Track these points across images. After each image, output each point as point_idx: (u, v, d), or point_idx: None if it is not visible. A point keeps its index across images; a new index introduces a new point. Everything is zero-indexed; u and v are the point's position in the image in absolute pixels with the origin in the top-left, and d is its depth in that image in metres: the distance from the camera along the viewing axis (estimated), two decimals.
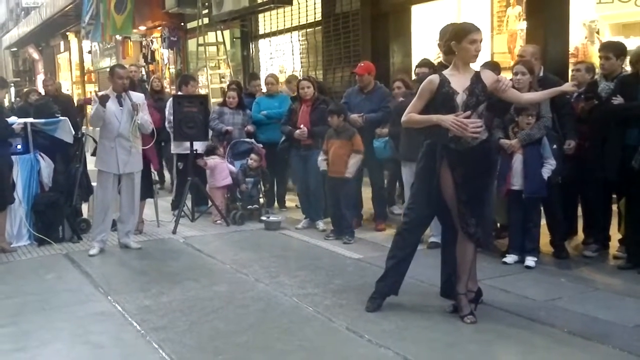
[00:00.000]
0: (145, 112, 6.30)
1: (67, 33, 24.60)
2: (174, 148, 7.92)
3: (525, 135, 5.27)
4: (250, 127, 7.84)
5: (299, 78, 8.20)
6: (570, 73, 6.68)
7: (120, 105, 6.10)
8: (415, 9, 10.00)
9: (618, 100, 5.04)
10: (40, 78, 25.23)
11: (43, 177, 6.72)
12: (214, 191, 7.56)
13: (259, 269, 5.52)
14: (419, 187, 4.25)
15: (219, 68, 14.77)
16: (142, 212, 7.12)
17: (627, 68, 5.69)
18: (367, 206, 7.15)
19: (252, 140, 7.72)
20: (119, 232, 6.43)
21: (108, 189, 6.18)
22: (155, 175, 7.63)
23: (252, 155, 7.49)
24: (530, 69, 5.28)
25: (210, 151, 7.58)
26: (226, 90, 8.23)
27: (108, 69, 6.61)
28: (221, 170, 7.52)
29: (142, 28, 17.25)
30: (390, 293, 4.38)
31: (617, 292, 4.66)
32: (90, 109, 6.26)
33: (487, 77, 4.09)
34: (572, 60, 7.71)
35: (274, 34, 13.32)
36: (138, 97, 6.27)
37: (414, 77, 6.33)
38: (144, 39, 18.10)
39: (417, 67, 6.27)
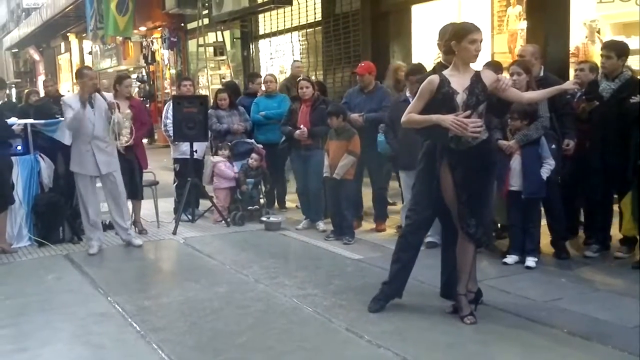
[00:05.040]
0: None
1: (68, 34, 24.64)
2: (172, 152, 7.92)
3: (522, 135, 5.25)
4: (245, 125, 7.80)
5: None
6: (572, 72, 6.67)
7: (92, 107, 6.04)
8: (415, 9, 10.01)
9: (637, 99, 5.01)
10: (41, 79, 25.27)
11: (43, 178, 6.71)
12: (217, 192, 7.57)
13: (259, 269, 5.52)
14: (420, 188, 4.24)
15: (219, 69, 14.79)
16: (139, 212, 7.12)
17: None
18: (367, 207, 7.14)
19: (252, 140, 7.71)
20: (119, 231, 6.43)
21: (88, 190, 6.16)
22: (154, 176, 7.59)
23: (253, 155, 7.48)
24: (526, 68, 5.26)
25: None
26: (217, 93, 8.21)
27: (76, 72, 6.55)
28: (227, 170, 7.51)
29: (143, 29, 17.29)
30: (394, 296, 4.38)
31: (618, 293, 4.65)
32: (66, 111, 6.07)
33: (487, 76, 4.08)
34: (572, 59, 7.70)
35: (274, 34, 13.34)
36: (109, 96, 6.25)
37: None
38: (144, 39, 18.14)
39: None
